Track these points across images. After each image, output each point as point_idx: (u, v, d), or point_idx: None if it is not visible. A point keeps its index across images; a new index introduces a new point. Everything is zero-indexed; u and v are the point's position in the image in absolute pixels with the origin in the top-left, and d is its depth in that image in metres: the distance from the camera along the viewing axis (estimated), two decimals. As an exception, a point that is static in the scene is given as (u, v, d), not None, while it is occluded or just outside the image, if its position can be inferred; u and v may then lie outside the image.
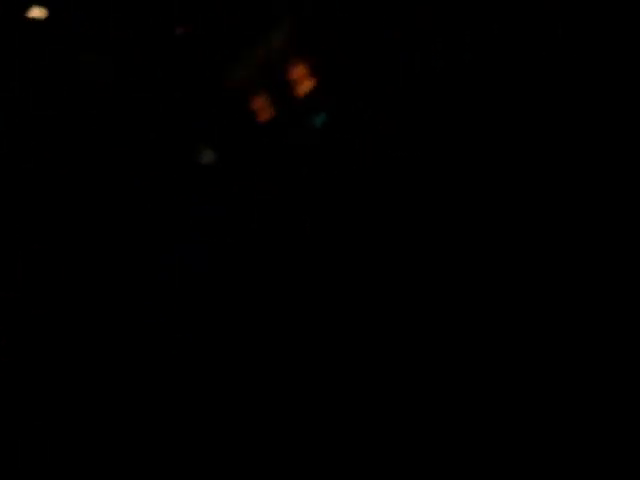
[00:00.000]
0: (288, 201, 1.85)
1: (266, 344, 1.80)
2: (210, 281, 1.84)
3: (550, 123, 1.87)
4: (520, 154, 1.86)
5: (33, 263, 1.90)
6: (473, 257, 1.82)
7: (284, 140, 1.92)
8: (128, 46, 1.97)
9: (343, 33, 1.98)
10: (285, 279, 1.82)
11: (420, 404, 1.74)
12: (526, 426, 1.68)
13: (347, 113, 1.94)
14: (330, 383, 1.77)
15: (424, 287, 1.82)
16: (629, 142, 1.81)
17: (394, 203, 1.87)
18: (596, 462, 1.60)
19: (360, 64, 1.97)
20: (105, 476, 1.72)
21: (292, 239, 1.83)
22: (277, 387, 1.78)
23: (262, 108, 1.98)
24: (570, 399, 1.69)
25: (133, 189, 1.89)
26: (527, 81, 1.89)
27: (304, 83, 1.95)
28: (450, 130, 1.92)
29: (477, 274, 1.81)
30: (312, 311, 1.80)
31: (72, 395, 1.80)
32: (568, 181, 1.83)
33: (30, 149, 1.95)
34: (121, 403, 1.80)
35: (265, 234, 1.84)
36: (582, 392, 1.69)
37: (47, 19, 1.97)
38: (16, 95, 1.95)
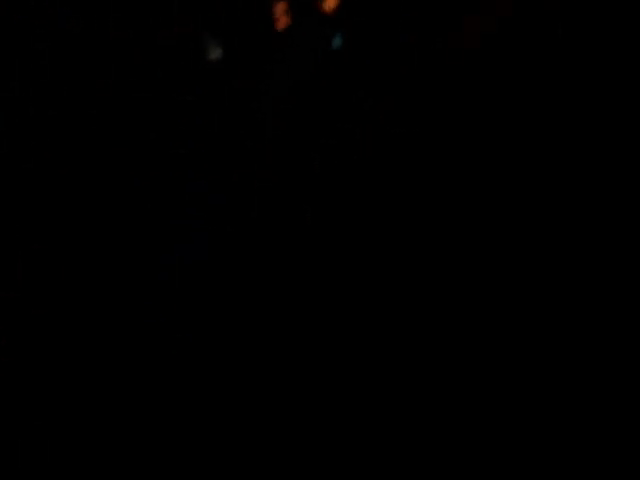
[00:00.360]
0: (288, 189, 1.85)
1: (266, 338, 1.80)
2: (210, 270, 1.84)
3: (551, 122, 1.87)
4: (520, 153, 1.86)
5: (33, 263, 1.90)
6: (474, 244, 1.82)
7: (297, 53, 1.89)
8: None
9: None
10: (287, 269, 1.82)
11: (420, 404, 1.74)
12: (526, 426, 1.68)
13: (370, 41, 1.91)
14: (334, 379, 1.77)
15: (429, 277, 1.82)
16: (629, 142, 1.80)
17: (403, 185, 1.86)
18: (596, 462, 1.60)
19: None
20: (105, 476, 1.72)
21: (293, 228, 1.83)
22: (279, 385, 1.78)
23: (282, 14, 1.95)
24: (570, 399, 1.68)
25: (132, 177, 1.89)
26: (527, 81, 1.89)
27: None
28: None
29: (477, 265, 1.81)
30: (316, 304, 1.80)
31: (72, 395, 1.80)
32: (567, 180, 1.83)
33: (30, 149, 1.95)
34: (121, 403, 1.80)
35: (266, 222, 1.84)
36: (582, 392, 1.69)
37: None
38: (16, 95, 1.95)
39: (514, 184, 1.84)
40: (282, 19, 1.90)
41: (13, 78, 1.94)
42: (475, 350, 1.76)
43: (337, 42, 1.90)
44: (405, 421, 1.72)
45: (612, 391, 1.66)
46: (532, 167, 1.85)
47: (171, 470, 1.72)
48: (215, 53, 1.88)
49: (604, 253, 1.77)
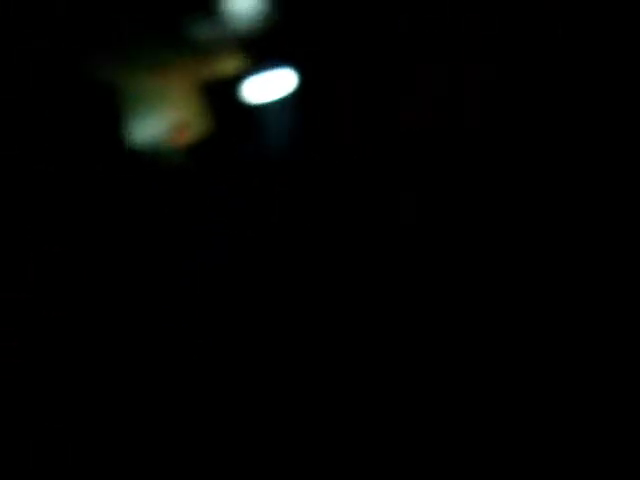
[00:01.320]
0: (308, 195, 1.85)
1: (286, 342, 1.80)
2: (230, 273, 1.83)
3: (551, 123, 1.89)
4: (520, 156, 1.88)
5: (40, 265, 1.86)
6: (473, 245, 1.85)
7: None
8: None
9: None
10: (306, 273, 1.82)
11: (419, 404, 1.76)
12: (526, 426, 1.71)
13: None
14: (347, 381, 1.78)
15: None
16: (629, 143, 1.85)
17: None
18: (596, 462, 1.63)
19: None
20: (105, 476, 1.71)
21: (311, 233, 1.83)
22: (298, 388, 1.78)
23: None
24: (570, 399, 1.72)
25: (151, 181, 1.86)
26: (527, 82, 1.91)
27: None
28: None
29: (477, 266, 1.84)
30: (334, 307, 1.81)
31: (73, 397, 1.78)
32: (567, 180, 1.86)
33: (30, 150, 1.89)
34: (128, 407, 1.79)
35: (285, 227, 1.84)
36: (582, 392, 1.73)
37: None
38: (16, 95, 1.88)
39: (515, 188, 1.87)
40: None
41: (13, 78, 1.87)
42: (474, 350, 1.79)
43: None
44: (404, 421, 1.75)
45: (612, 391, 1.71)
46: (533, 170, 1.88)
47: (171, 470, 1.72)
48: None
49: (604, 254, 1.82)
